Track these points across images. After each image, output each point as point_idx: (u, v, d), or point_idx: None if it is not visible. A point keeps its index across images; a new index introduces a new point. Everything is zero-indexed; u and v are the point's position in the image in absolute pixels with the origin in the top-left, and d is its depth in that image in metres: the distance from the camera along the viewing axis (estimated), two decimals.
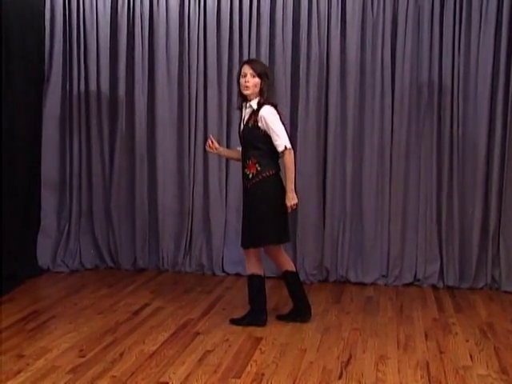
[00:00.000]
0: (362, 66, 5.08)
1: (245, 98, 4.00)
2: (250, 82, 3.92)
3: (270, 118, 3.89)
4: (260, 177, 3.93)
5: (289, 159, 3.90)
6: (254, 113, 3.94)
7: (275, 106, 3.98)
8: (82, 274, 5.32)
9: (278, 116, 3.93)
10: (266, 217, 3.94)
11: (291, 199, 3.91)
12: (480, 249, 5.03)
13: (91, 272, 5.40)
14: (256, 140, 3.93)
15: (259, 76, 3.92)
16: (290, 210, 3.97)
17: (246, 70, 3.94)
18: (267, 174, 3.94)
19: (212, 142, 4.19)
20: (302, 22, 5.08)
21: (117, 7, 5.29)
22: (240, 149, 4.16)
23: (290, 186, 3.90)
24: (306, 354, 3.60)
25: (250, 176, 3.95)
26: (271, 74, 4.14)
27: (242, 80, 3.94)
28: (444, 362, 3.49)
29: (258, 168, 3.93)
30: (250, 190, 3.98)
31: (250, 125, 3.95)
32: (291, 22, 5.10)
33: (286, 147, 3.88)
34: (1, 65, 4.67)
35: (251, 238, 3.98)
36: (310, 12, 5.07)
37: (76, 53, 5.33)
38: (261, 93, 3.95)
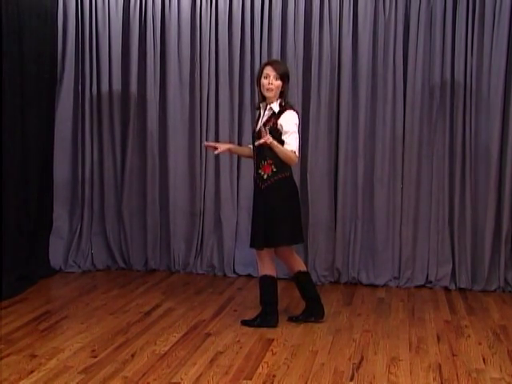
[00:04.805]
0: (373, 67, 5.06)
1: (264, 99, 3.99)
2: (274, 84, 3.90)
3: (289, 124, 3.89)
4: (276, 178, 3.93)
5: (291, 156, 3.87)
6: (275, 116, 3.93)
7: (297, 112, 3.99)
8: (93, 275, 5.34)
9: (297, 125, 3.95)
10: (281, 217, 3.94)
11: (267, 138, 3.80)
12: (492, 251, 5.00)
13: (103, 273, 5.42)
14: None
15: (281, 78, 3.91)
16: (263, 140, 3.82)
17: (269, 71, 3.91)
18: (282, 175, 3.94)
19: (211, 146, 4.22)
20: (313, 23, 5.07)
21: (129, 9, 5.31)
22: (251, 146, 4.16)
23: (276, 144, 3.82)
24: (318, 355, 3.59)
25: (265, 177, 3.95)
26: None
27: (265, 81, 3.92)
28: (456, 365, 3.47)
29: (274, 169, 3.93)
30: (263, 190, 3.97)
31: (268, 127, 3.93)
32: (303, 24, 5.10)
33: (295, 152, 3.89)
34: (14, 66, 4.70)
35: (266, 239, 3.96)
36: (321, 13, 5.06)
37: (88, 55, 5.35)
38: (281, 95, 3.94)
